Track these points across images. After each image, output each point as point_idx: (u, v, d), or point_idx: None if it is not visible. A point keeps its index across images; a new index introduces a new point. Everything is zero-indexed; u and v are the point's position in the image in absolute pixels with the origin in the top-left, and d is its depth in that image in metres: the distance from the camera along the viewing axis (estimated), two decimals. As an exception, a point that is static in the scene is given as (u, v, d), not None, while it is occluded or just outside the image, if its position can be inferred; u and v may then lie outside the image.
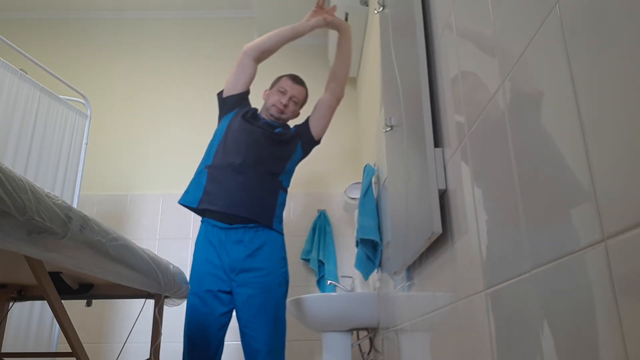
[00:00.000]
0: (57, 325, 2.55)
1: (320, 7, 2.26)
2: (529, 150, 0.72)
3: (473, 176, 0.96)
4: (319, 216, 3.19)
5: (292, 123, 2.24)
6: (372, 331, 2.41)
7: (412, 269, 1.53)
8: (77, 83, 3.30)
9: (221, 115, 2.17)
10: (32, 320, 2.45)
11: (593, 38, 0.56)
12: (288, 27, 2.18)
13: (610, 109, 0.53)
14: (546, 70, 0.67)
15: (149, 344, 1.84)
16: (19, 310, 2.37)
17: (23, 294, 1.71)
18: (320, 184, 3.36)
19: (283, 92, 2.16)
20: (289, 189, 2.16)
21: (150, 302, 1.90)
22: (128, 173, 3.34)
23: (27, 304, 2.43)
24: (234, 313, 1.93)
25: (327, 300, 2.23)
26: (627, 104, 0.50)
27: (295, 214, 3.26)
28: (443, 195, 1.17)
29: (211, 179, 1.99)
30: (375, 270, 2.28)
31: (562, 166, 0.63)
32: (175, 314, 2.77)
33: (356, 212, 2.63)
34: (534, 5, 0.70)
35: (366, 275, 2.23)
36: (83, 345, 1.24)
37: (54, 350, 2.53)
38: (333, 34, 2.88)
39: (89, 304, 1.85)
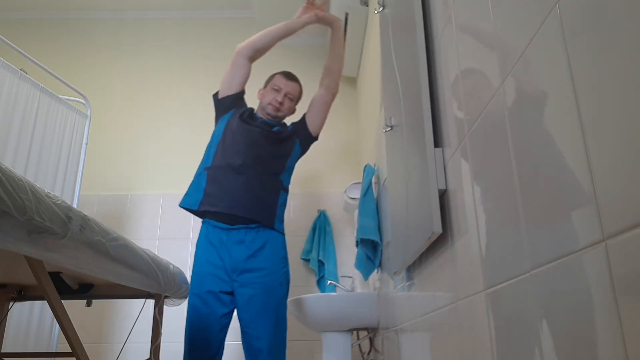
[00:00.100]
0: (57, 325, 2.55)
1: (311, 4, 2.26)
2: (529, 150, 0.72)
3: (473, 176, 0.96)
4: (319, 216, 3.19)
5: (288, 120, 2.24)
6: (372, 331, 2.41)
7: (412, 269, 1.53)
8: (77, 83, 3.30)
9: (218, 117, 2.17)
10: (32, 320, 2.45)
11: (593, 38, 0.56)
12: (280, 25, 2.19)
13: (610, 109, 0.53)
14: (546, 70, 0.67)
15: (149, 344, 1.84)
16: (19, 310, 2.37)
17: (23, 294, 1.71)
18: (320, 184, 3.36)
19: (277, 90, 2.16)
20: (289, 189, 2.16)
21: (150, 302, 1.91)
22: (128, 173, 3.34)
23: (27, 304, 2.43)
24: (235, 313, 1.93)
25: (327, 300, 2.23)
26: (627, 104, 0.50)
27: (295, 214, 3.26)
28: (443, 195, 1.17)
29: (211, 180, 1.99)
30: (375, 270, 2.28)
31: (562, 166, 0.63)
32: (175, 314, 2.77)
33: (356, 212, 2.63)
34: (533, 5, 0.70)
35: (366, 275, 2.23)
36: (83, 345, 1.24)
37: (54, 350, 2.54)
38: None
39: (89, 304, 1.85)
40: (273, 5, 3.30)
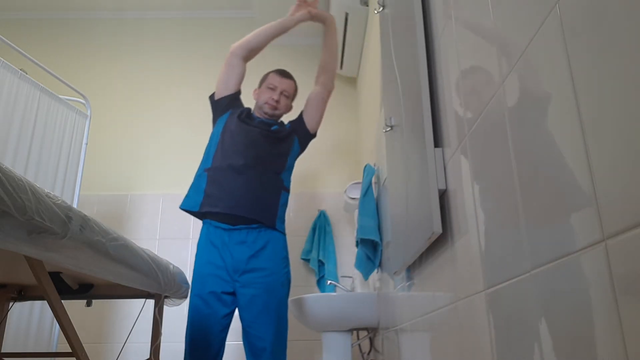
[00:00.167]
0: (57, 325, 2.55)
1: (303, 1, 2.26)
2: (529, 150, 0.72)
3: (473, 176, 0.96)
4: (319, 216, 3.19)
5: (286, 119, 2.24)
6: (372, 331, 2.41)
7: (412, 269, 1.53)
8: (77, 83, 3.30)
9: (215, 118, 2.17)
10: (32, 320, 2.45)
11: (593, 38, 0.56)
12: (273, 23, 2.19)
13: (610, 109, 0.53)
14: (546, 70, 0.67)
15: (149, 344, 1.84)
16: (19, 310, 2.37)
17: (23, 294, 1.71)
18: (320, 184, 3.36)
19: (273, 89, 2.16)
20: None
21: (150, 302, 1.91)
22: (128, 173, 3.34)
23: (27, 304, 2.43)
24: (236, 313, 1.93)
25: (327, 300, 2.23)
26: (627, 104, 0.50)
27: (295, 213, 3.26)
28: (443, 195, 1.17)
29: (211, 181, 1.99)
30: (375, 270, 2.28)
31: (562, 166, 0.63)
32: (175, 314, 2.78)
33: (356, 212, 2.63)
34: (533, 5, 0.70)
35: (366, 275, 2.23)
36: (83, 345, 1.24)
37: (54, 350, 2.54)
38: (333, 34, 2.87)
39: (89, 304, 1.85)
40: (273, 5, 3.30)
